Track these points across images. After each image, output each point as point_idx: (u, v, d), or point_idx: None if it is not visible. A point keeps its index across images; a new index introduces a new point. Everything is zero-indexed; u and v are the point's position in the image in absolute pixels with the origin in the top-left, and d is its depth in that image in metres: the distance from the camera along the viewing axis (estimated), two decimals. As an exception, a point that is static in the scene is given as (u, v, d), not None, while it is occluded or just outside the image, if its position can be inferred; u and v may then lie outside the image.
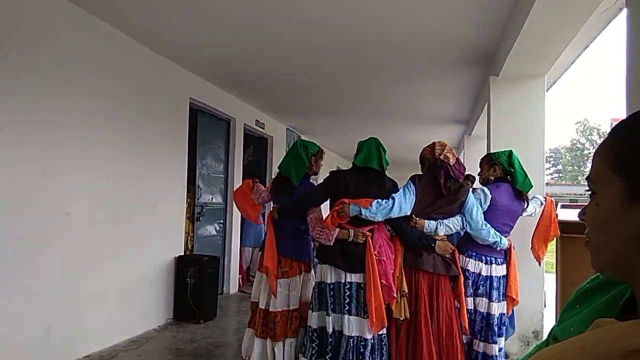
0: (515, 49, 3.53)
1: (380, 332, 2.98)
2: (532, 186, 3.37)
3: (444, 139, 10.01)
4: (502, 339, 3.33)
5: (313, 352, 3.03)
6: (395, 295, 2.96)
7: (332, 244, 2.99)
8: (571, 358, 0.65)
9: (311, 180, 3.54)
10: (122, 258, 4.19)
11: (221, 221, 6.33)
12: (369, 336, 2.93)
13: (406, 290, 3.02)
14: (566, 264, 3.70)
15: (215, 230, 6.25)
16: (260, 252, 3.45)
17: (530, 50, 3.58)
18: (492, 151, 4.33)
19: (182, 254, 5.19)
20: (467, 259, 3.31)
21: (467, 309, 3.22)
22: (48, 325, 3.37)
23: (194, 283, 4.88)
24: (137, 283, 4.42)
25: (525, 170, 3.37)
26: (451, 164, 3.10)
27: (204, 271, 4.93)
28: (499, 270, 3.33)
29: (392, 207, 2.94)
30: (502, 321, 3.35)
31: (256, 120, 7.29)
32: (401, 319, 3.02)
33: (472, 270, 3.29)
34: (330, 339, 2.98)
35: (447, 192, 3.09)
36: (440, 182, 3.08)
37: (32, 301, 3.28)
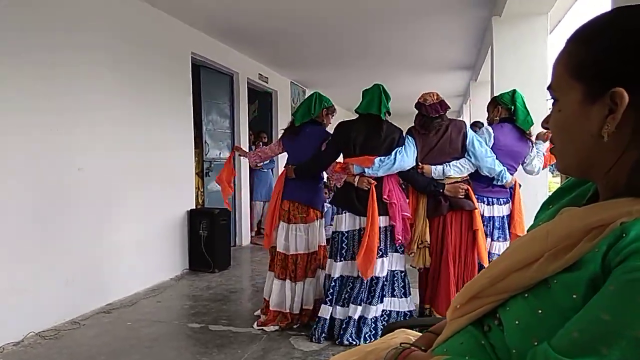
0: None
1: (394, 269, 3.17)
2: (532, 123, 3.37)
3: (450, 86, 9.88)
4: None
5: (331, 297, 3.18)
6: (407, 239, 3.11)
7: (340, 185, 3.23)
8: (538, 242, 0.73)
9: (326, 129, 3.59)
10: (136, 212, 4.33)
11: (230, 176, 6.44)
12: (381, 275, 3.10)
13: (428, 241, 3.16)
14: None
15: (225, 184, 6.37)
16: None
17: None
18: (495, 94, 4.33)
19: (194, 207, 5.33)
20: None
21: None
22: (66, 277, 3.54)
23: (207, 235, 5.04)
24: (152, 235, 4.59)
25: (527, 108, 3.36)
26: (427, 104, 3.20)
27: (216, 223, 5.08)
28: (502, 210, 3.41)
29: (394, 163, 3.07)
30: None
31: (259, 74, 7.26)
32: (420, 267, 3.20)
33: None
34: (351, 284, 3.15)
35: (423, 130, 3.22)
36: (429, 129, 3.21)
37: (52, 254, 3.43)
